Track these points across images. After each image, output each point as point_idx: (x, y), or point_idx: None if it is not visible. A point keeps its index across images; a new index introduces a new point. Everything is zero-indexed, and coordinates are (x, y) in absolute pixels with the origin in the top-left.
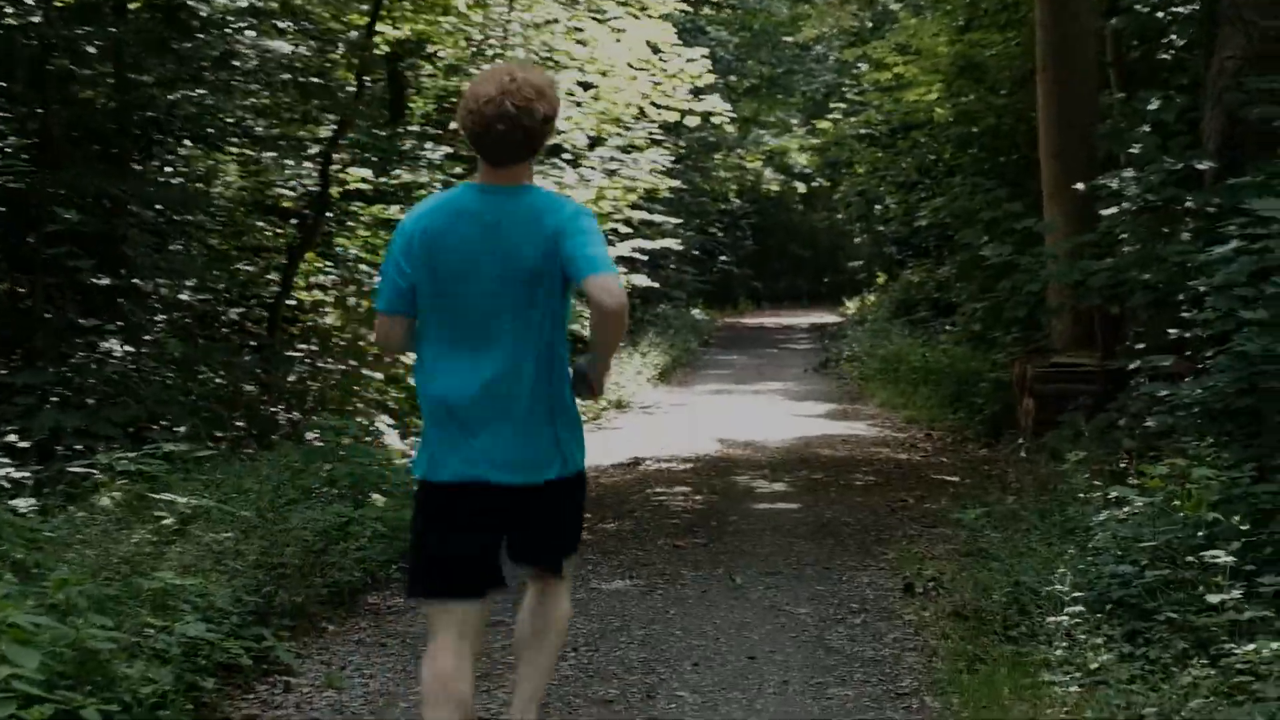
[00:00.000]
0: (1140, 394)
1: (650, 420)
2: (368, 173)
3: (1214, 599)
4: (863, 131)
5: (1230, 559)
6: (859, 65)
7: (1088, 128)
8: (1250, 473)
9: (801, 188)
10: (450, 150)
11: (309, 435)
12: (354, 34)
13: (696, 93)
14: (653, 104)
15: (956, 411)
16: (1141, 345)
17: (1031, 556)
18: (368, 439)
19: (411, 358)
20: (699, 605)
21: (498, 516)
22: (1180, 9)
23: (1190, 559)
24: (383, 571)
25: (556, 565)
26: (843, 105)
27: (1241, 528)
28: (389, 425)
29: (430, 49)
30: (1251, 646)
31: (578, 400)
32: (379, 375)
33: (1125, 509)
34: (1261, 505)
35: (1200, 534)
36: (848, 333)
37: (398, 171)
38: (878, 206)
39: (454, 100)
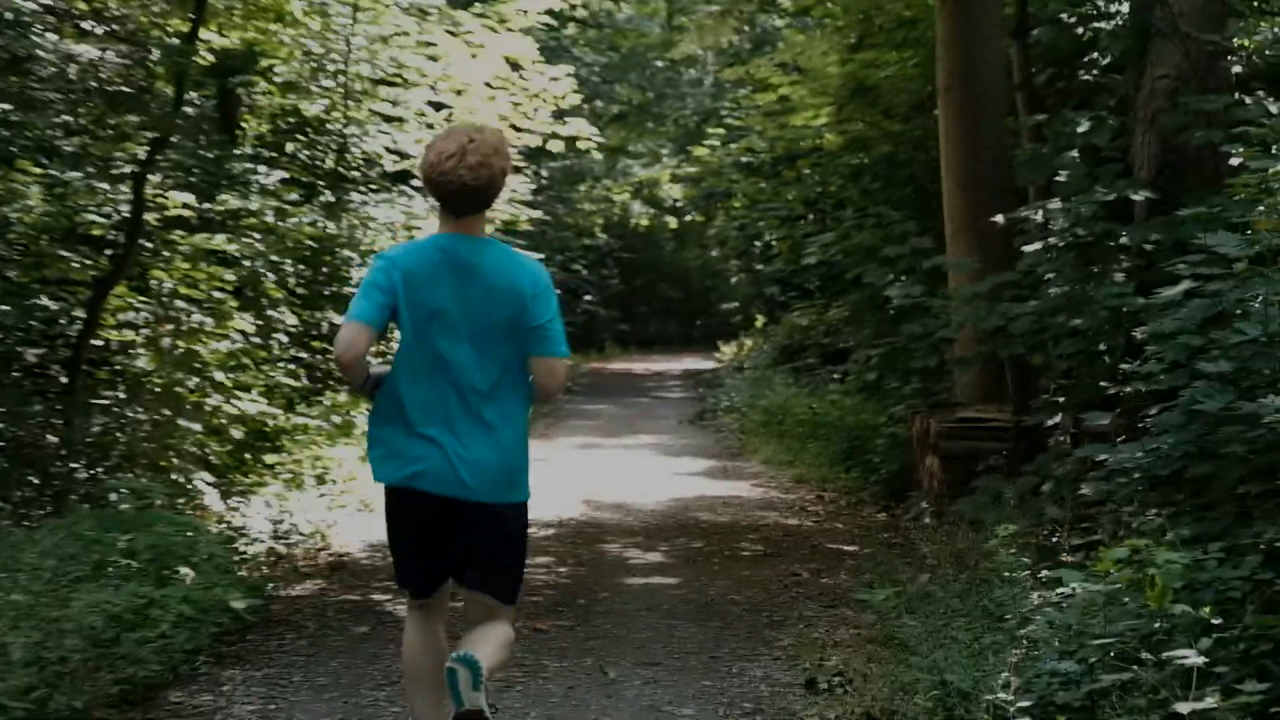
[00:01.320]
0: (1069, 457)
1: None
2: (190, 197)
3: (1184, 708)
4: (743, 160)
5: (1200, 659)
6: (739, 88)
7: (999, 156)
8: (1217, 554)
9: (673, 222)
10: (286, 174)
11: (112, 497)
12: (176, 41)
13: (560, 115)
14: (513, 127)
15: (850, 470)
16: (1060, 399)
17: (955, 648)
18: (181, 500)
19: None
20: (565, 706)
21: (443, 525)
22: (1103, 25)
23: (1146, 656)
24: (188, 664)
25: (501, 594)
26: (720, 131)
27: (1212, 621)
28: (208, 484)
29: (265, 63)
30: None
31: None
32: (197, 427)
33: (1060, 592)
34: (1229, 593)
35: (1158, 626)
36: (725, 381)
37: (225, 197)
38: (758, 243)
39: (291, 120)
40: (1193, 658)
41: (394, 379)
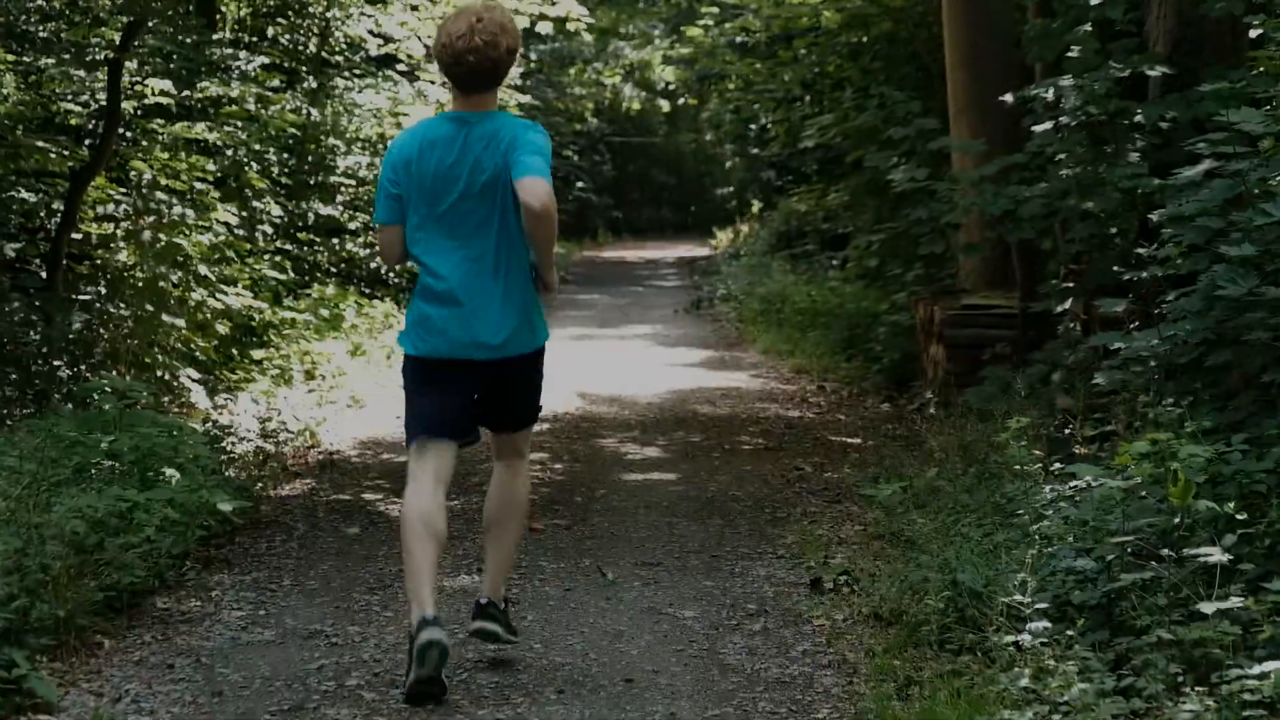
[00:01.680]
0: (1081, 345)
1: None
2: (169, 84)
3: (1208, 608)
4: (738, 40)
5: (1224, 556)
6: None
7: (1005, 31)
8: (1240, 446)
9: (666, 106)
10: (267, 60)
11: (95, 396)
12: None
13: None
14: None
15: (851, 359)
16: (1070, 285)
17: (965, 546)
18: (167, 399)
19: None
20: (562, 609)
21: (471, 383)
22: None
23: (1166, 553)
24: (174, 569)
25: (521, 427)
26: (714, 10)
27: (1237, 516)
28: (195, 380)
29: None
30: (1260, 670)
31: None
32: (181, 322)
33: (1073, 485)
34: (1254, 487)
35: (1178, 521)
36: (721, 268)
37: (205, 84)
38: (753, 126)
39: (272, 4)
40: (1216, 555)
41: (415, 253)
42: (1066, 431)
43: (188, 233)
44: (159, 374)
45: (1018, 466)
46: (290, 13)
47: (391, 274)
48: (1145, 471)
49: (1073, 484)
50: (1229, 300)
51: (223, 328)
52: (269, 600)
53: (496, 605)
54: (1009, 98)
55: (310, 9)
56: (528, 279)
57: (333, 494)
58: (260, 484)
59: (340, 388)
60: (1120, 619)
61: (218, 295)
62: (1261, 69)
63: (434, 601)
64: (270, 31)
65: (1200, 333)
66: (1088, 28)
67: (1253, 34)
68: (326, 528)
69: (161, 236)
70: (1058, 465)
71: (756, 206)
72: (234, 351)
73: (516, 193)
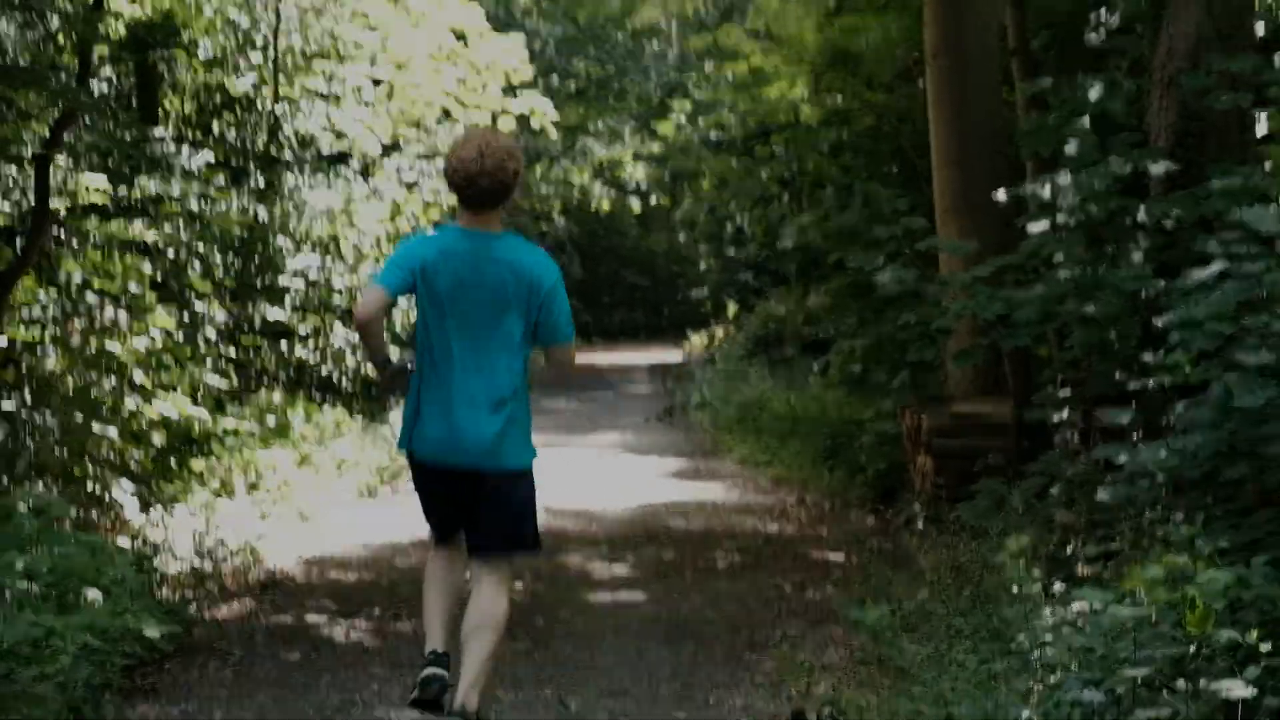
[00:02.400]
0: (1080, 456)
1: None
2: (102, 179)
3: None
4: (712, 136)
5: (1248, 690)
6: (707, 59)
7: (993, 128)
8: (1262, 568)
9: (637, 205)
10: (211, 156)
11: (21, 508)
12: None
13: (512, 91)
14: (459, 102)
15: (833, 470)
16: (1065, 393)
17: (961, 675)
18: (96, 514)
19: None
20: None
21: (458, 492)
22: None
23: (1182, 685)
24: (91, 702)
25: (510, 548)
26: (687, 106)
27: (1261, 647)
28: (129, 494)
29: (187, 36)
30: None
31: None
32: (114, 432)
33: (1076, 609)
34: (1277, 613)
35: (1192, 651)
36: (695, 373)
37: (145, 181)
38: (729, 225)
39: (218, 99)
40: (1239, 688)
41: (418, 362)
42: (1068, 550)
43: (122, 337)
44: (89, 487)
45: (1016, 588)
46: (237, 107)
47: (344, 379)
48: (1159, 597)
49: (1076, 608)
50: (1244, 411)
51: (159, 437)
52: None
53: (469, 715)
54: (1002, 195)
55: (257, 104)
56: (527, 399)
57: (273, 616)
58: (194, 606)
59: (285, 500)
60: None
61: (154, 403)
62: (1271, 165)
63: (444, 639)
64: (216, 127)
65: (1212, 445)
66: (1086, 122)
67: (1260, 129)
68: (265, 654)
69: (93, 341)
70: (1059, 587)
71: (732, 309)
72: (172, 462)
73: (551, 356)
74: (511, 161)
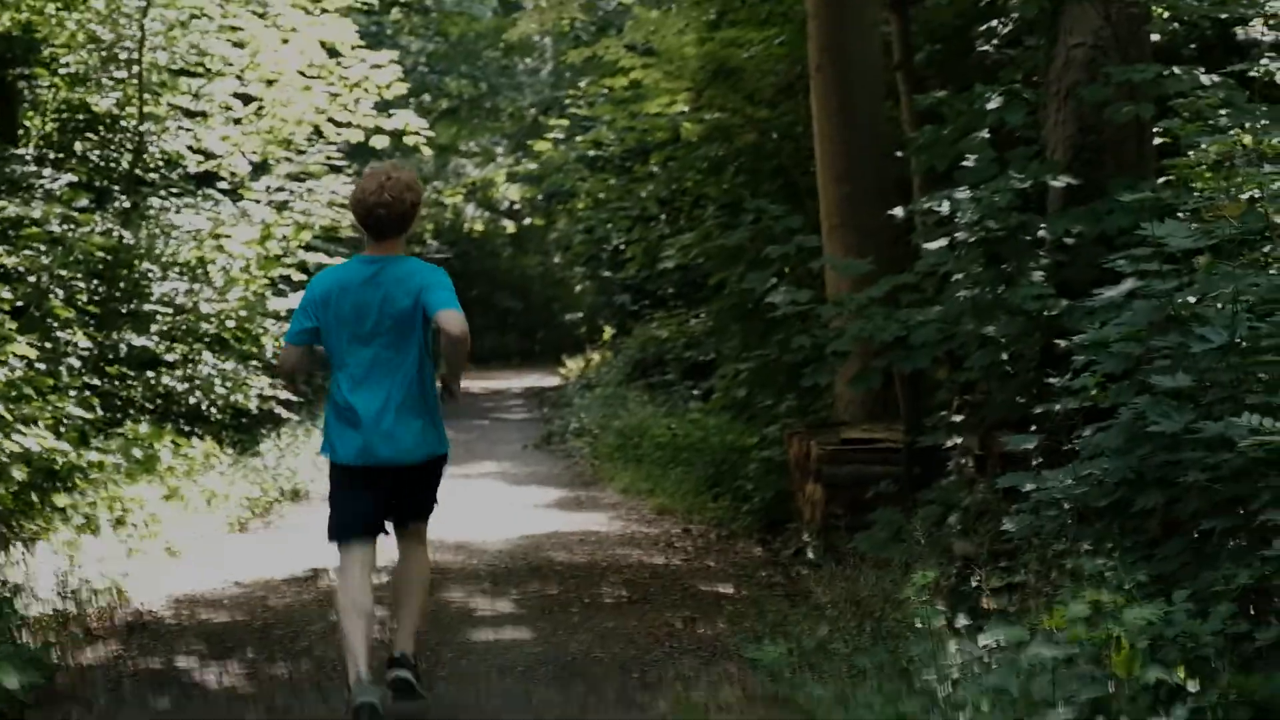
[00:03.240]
0: (978, 484)
1: None
2: None
3: None
4: (589, 155)
5: None
6: (583, 75)
7: (881, 142)
8: (1184, 605)
9: (511, 227)
10: (74, 177)
11: None
12: None
13: (385, 108)
14: (331, 121)
15: (718, 499)
16: (959, 417)
17: (868, 717)
18: None
19: None
20: None
21: (383, 486)
22: None
23: None
24: None
25: (422, 519)
26: (563, 123)
27: (1189, 688)
28: None
29: (47, 52)
30: None
31: (441, 405)
32: None
33: (984, 645)
34: (1200, 651)
35: (1113, 691)
36: (573, 400)
37: (4, 203)
38: (606, 246)
39: (81, 118)
40: None
41: (333, 381)
42: (972, 583)
43: None
44: None
45: (919, 624)
46: (100, 127)
47: (214, 409)
48: (1077, 635)
49: (983, 643)
50: (1156, 437)
51: (19, 473)
52: None
53: (409, 658)
54: (899, 212)
55: (122, 123)
56: (434, 395)
57: (141, 660)
58: (57, 651)
59: (153, 537)
60: None
61: (13, 437)
62: (1186, 178)
63: (368, 664)
64: (78, 147)
65: (1121, 472)
66: (985, 134)
67: (1158, 141)
68: (132, 701)
69: None
70: (964, 622)
71: (609, 333)
72: (33, 497)
73: (437, 322)
74: (410, 193)
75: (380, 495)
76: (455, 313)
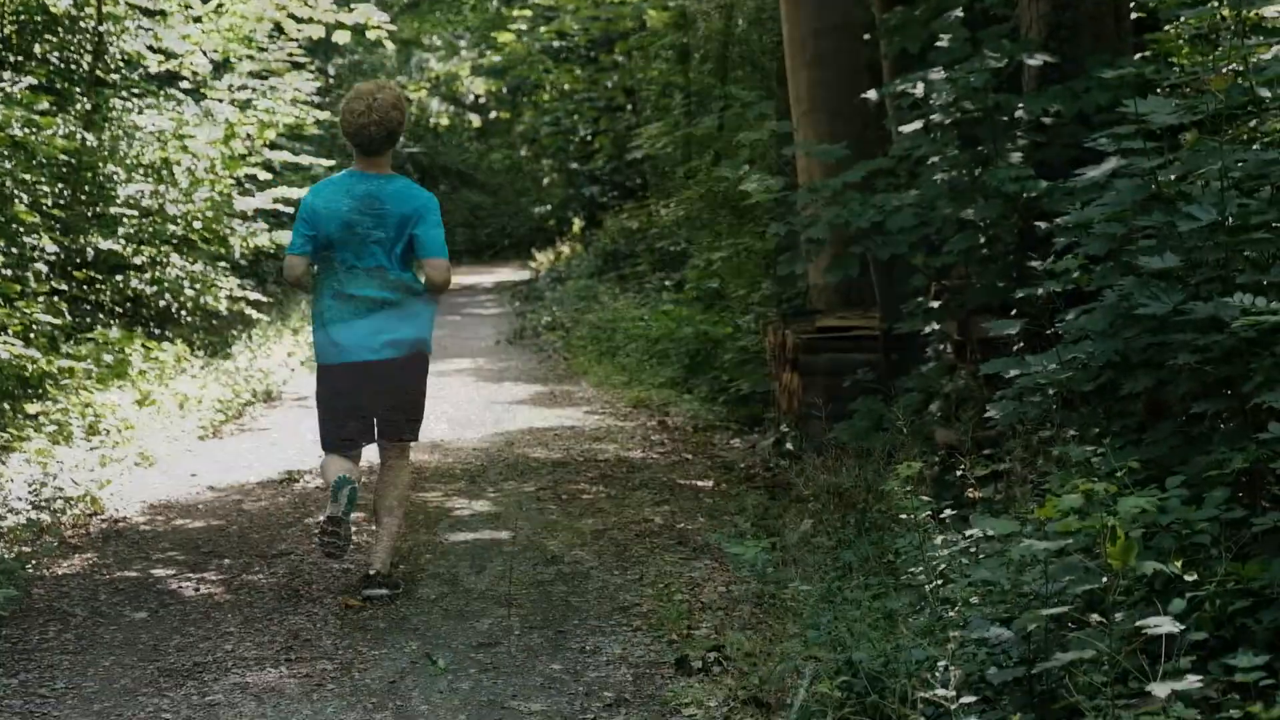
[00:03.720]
0: (958, 370)
1: (307, 416)
2: None
3: (1159, 689)
4: (554, 45)
5: (1174, 626)
6: None
7: (850, 25)
8: (1176, 491)
9: (476, 121)
10: (34, 80)
11: None
12: None
13: (345, 2)
14: (291, 17)
15: (693, 391)
16: (936, 304)
17: (855, 614)
18: None
19: None
20: (386, 705)
21: (370, 385)
22: None
23: (1096, 620)
24: None
25: (407, 435)
26: (527, 14)
27: (1186, 577)
28: None
29: None
30: None
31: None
32: None
33: (969, 535)
34: (1196, 538)
35: (1105, 582)
36: (544, 293)
37: None
38: (573, 139)
39: (39, 19)
40: (1167, 624)
41: (321, 283)
42: (959, 473)
43: None
44: None
45: (904, 515)
46: (59, 29)
47: (184, 312)
48: (1069, 525)
49: (969, 533)
50: (1143, 319)
51: None
52: (38, 709)
53: (384, 574)
54: (872, 94)
55: (81, 24)
56: (418, 297)
57: (117, 570)
58: (32, 563)
59: (126, 444)
60: (1049, 700)
61: None
62: (1152, 54)
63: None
64: (38, 49)
65: (1106, 355)
66: (959, 13)
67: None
68: (109, 613)
69: None
70: (949, 513)
71: (578, 225)
72: (4, 407)
73: (424, 266)
74: (396, 111)
75: (365, 397)
76: (442, 261)
